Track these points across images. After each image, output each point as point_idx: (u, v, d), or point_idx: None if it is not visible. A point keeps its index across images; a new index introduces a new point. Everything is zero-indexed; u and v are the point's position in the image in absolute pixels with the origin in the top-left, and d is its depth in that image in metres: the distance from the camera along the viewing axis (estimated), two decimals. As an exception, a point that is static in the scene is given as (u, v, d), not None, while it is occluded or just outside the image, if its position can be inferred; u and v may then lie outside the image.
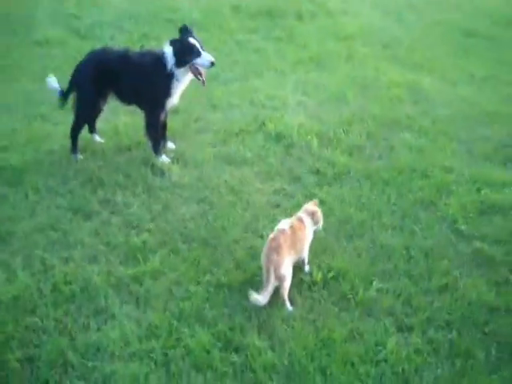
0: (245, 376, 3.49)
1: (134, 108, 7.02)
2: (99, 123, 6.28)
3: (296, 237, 4.24)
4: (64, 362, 3.49)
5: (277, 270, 3.97)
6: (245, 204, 5.32)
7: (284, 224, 4.30)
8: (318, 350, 3.70)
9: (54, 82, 5.94)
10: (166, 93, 5.67)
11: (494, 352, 3.81)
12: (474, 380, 3.55)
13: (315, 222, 4.46)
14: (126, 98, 5.92)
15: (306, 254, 4.42)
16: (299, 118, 7.11)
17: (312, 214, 4.44)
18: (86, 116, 5.96)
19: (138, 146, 6.16)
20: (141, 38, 9.14)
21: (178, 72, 5.57)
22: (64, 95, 5.88)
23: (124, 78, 5.66)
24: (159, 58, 5.53)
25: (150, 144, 5.91)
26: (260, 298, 3.86)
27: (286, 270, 4.04)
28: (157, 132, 5.89)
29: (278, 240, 4.09)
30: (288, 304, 4.05)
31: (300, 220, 4.39)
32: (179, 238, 4.72)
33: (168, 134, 6.47)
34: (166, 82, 5.58)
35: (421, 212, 5.35)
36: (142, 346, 3.62)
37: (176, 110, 7.22)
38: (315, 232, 4.51)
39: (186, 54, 5.44)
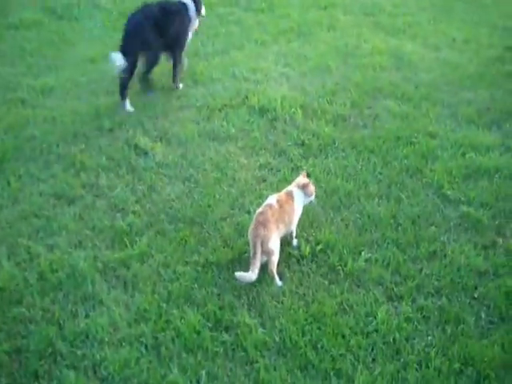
0: (236, 355, 3.42)
1: (113, 88, 6.87)
2: (78, 104, 6.11)
3: (284, 210, 4.14)
4: (53, 352, 3.40)
5: (264, 244, 3.88)
6: (230, 180, 5.20)
7: (272, 199, 4.20)
8: (309, 325, 3.63)
9: (119, 59, 6.08)
10: (188, 36, 6.80)
11: (483, 316, 3.76)
12: (464, 345, 3.49)
13: (308, 195, 4.35)
14: (168, 44, 6.56)
15: (294, 228, 4.33)
16: (282, 90, 6.95)
17: (303, 187, 4.33)
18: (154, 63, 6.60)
19: (120, 127, 6.00)
20: (119, 16, 8.85)
21: (195, 19, 6.76)
22: (131, 66, 6.22)
23: (169, 27, 6.45)
24: (185, 8, 6.64)
25: (176, 80, 6.85)
26: (248, 275, 3.78)
27: (274, 245, 3.95)
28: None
29: (266, 214, 4.00)
30: (277, 279, 3.97)
31: (289, 194, 4.28)
32: (165, 219, 4.61)
33: (149, 112, 6.34)
34: (189, 26, 6.72)
35: (407, 179, 5.26)
36: (131, 330, 3.54)
37: (158, 88, 7.06)
38: (309, 205, 4.43)
39: (200, 4, 6.76)
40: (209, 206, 4.80)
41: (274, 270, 3.97)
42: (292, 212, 4.25)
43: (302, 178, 4.43)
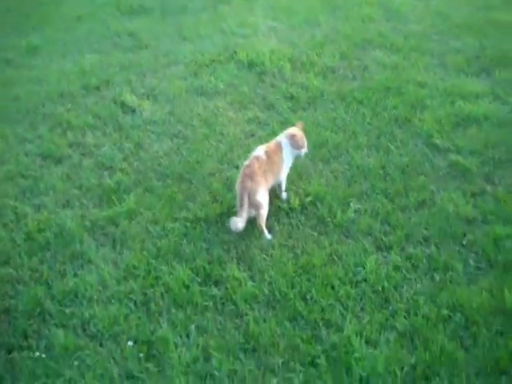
0: (225, 308, 3.32)
1: (99, 46, 6.61)
2: (63, 63, 5.85)
3: (272, 161, 3.99)
4: (41, 311, 3.29)
5: (251, 196, 3.75)
6: (219, 136, 5.03)
7: (260, 150, 4.03)
8: (298, 276, 3.52)
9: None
10: None
11: (472, 263, 3.65)
12: (452, 292, 3.39)
13: (295, 147, 4.10)
14: None
15: (283, 179, 4.17)
16: (271, 44, 6.70)
17: (290, 138, 4.09)
18: None
19: (106, 85, 5.78)
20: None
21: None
22: None
23: None
24: None
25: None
26: (236, 220, 3.68)
27: (262, 197, 3.81)
28: None
29: (253, 167, 3.85)
30: (266, 232, 3.85)
31: (277, 144, 4.10)
32: (153, 176, 4.45)
33: (137, 70, 6.10)
34: None
35: (396, 129, 5.09)
36: (120, 287, 3.42)
37: (144, 46, 6.80)
38: (298, 158, 4.22)
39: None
40: (197, 161, 4.64)
41: (263, 224, 3.84)
42: (280, 162, 4.09)
43: (292, 129, 4.19)
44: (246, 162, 3.93)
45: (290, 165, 4.19)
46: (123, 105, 5.41)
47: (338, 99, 5.60)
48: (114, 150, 4.74)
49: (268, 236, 3.85)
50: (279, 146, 4.09)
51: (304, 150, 4.15)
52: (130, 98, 5.48)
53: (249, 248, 3.76)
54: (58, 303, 3.33)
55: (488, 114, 5.24)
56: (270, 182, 3.99)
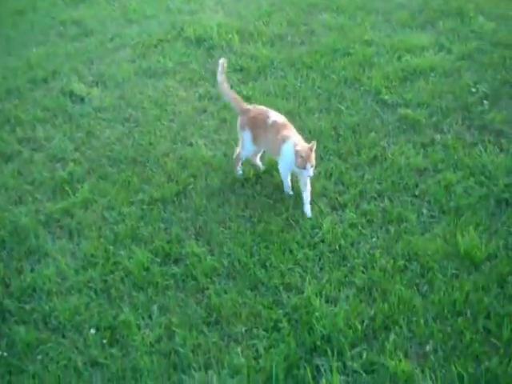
0: (187, 285, 3.27)
1: (44, 38, 6.40)
2: (8, 59, 5.63)
3: (274, 137, 3.78)
4: (0, 310, 3.19)
5: (239, 112, 3.97)
6: (171, 115, 4.92)
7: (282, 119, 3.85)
8: (257, 245, 3.48)
9: None
10: None
11: (425, 212, 3.65)
12: (407, 242, 3.39)
13: (297, 163, 3.56)
14: None
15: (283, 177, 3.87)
16: (218, 18, 6.55)
17: (296, 152, 3.53)
18: None
19: (54, 77, 5.60)
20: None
21: None
22: None
23: None
24: None
25: None
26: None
27: (242, 131, 3.96)
28: None
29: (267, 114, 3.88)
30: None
31: (284, 137, 3.70)
32: (107, 163, 4.34)
33: (84, 58, 5.91)
34: None
35: (345, 90, 5.04)
36: (79, 277, 3.35)
37: (90, 32, 6.59)
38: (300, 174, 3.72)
39: None
40: (150, 143, 4.53)
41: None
42: (276, 149, 3.76)
43: (302, 143, 3.63)
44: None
45: (286, 170, 3.80)
46: (72, 94, 5.25)
47: (288, 66, 5.52)
48: (65, 141, 4.60)
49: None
50: (283, 140, 3.70)
51: (306, 172, 3.58)
52: (79, 87, 5.32)
53: (206, 223, 3.71)
54: (17, 300, 3.24)
55: (434, 65, 5.22)
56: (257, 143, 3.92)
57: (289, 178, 3.83)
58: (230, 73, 5.45)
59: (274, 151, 3.80)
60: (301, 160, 3.51)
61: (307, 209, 3.70)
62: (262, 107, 3.94)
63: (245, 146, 3.94)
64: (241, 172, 4.08)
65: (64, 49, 6.23)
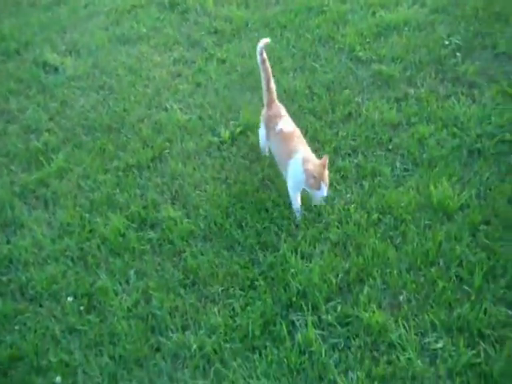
0: (163, 249, 3.19)
1: (16, 8, 6.13)
2: None
3: (284, 143, 3.25)
4: (-23, 284, 3.11)
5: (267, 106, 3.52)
6: (145, 80, 4.74)
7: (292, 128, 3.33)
8: (232, 206, 3.39)
9: None
10: None
11: (398, 165, 3.56)
12: (381, 196, 3.31)
13: (308, 183, 3.00)
14: None
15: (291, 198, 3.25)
16: (191, -19, 6.26)
17: (305, 171, 2.98)
18: None
19: (26, 48, 5.37)
20: None
21: None
22: None
23: None
24: None
25: None
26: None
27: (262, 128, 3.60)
28: None
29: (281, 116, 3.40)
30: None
31: (293, 150, 3.13)
32: (81, 131, 4.18)
33: (56, 27, 5.67)
34: None
35: (320, 48, 4.86)
36: (55, 246, 3.25)
37: (63, 1, 6.31)
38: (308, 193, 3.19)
39: None
40: (125, 110, 4.38)
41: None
42: (282, 164, 3.22)
43: (313, 161, 3.02)
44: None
45: (295, 189, 3.18)
46: (45, 65, 5.04)
47: (262, 27, 5.31)
48: (39, 112, 4.43)
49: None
50: (292, 152, 3.12)
51: (319, 193, 3.00)
52: (52, 57, 5.11)
53: (182, 187, 3.60)
54: (-6, 272, 3.15)
55: (407, 20, 5.03)
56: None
57: (298, 198, 3.19)
58: (204, 36, 5.29)
59: (281, 165, 3.25)
60: (313, 181, 2.90)
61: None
62: (280, 109, 3.42)
63: (260, 138, 3.57)
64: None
65: (36, 19, 5.97)
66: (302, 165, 2.95)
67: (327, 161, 2.92)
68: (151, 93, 4.56)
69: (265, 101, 3.48)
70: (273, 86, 3.44)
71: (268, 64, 3.40)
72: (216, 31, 5.36)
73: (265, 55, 3.40)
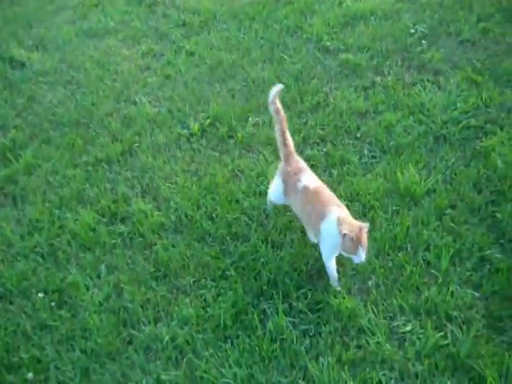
0: (134, 242, 3.15)
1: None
2: None
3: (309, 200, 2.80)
4: None
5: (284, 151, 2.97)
6: (113, 74, 4.66)
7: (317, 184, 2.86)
8: (203, 198, 3.36)
9: None
10: None
11: (366, 153, 3.58)
12: (350, 183, 3.32)
13: (345, 247, 2.58)
14: None
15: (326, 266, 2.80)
16: (158, -27, 6.17)
17: (343, 235, 2.53)
18: None
19: (-9, 44, 5.22)
20: None
21: None
22: None
23: None
24: None
25: None
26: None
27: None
28: None
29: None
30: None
31: (323, 211, 2.68)
32: (49, 127, 4.10)
33: (23, 22, 5.54)
34: None
35: (288, 39, 4.85)
36: (25, 243, 3.18)
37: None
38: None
39: None
40: (93, 104, 4.30)
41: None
42: (313, 226, 2.78)
43: (352, 224, 2.57)
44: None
45: (330, 255, 2.74)
46: (12, 60, 4.92)
47: (231, 18, 5.29)
48: (6, 108, 4.33)
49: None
50: (323, 212, 2.67)
51: (356, 258, 2.59)
52: (18, 52, 4.99)
53: (153, 180, 3.56)
54: (-38, 271, 3.07)
55: (374, 9, 5.06)
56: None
57: (334, 263, 2.76)
58: (172, 28, 5.23)
59: (309, 225, 2.86)
60: (351, 245, 2.53)
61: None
62: (299, 163, 2.94)
63: (273, 193, 3.09)
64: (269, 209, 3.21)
65: (2, 14, 5.82)
66: (337, 227, 2.56)
67: (367, 229, 2.55)
68: (120, 86, 4.49)
69: (281, 154, 2.96)
70: (289, 137, 2.94)
71: (283, 114, 2.92)
72: (184, 24, 5.31)
73: (278, 104, 2.91)
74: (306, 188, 2.78)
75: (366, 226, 2.54)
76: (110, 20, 5.44)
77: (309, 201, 2.75)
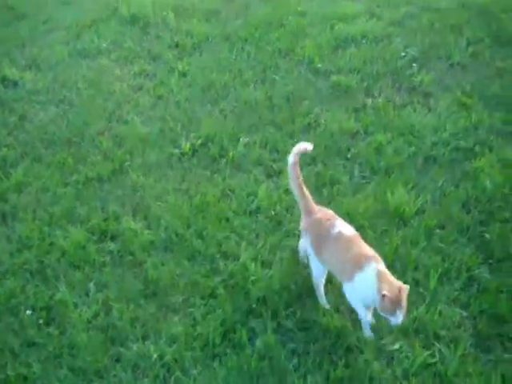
0: (123, 260, 3.21)
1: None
2: None
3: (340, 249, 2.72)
4: None
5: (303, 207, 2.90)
6: (106, 94, 4.77)
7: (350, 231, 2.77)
8: (194, 216, 3.44)
9: None
10: None
11: (356, 173, 3.69)
12: (340, 203, 3.41)
13: (383, 308, 2.47)
14: None
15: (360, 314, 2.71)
16: (152, -5, 6.36)
17: (382, 296, 2.42)
18: None
19: (-16, 62, 5.33)
20: None
21: None
22: None
23: None
24: None
25: None
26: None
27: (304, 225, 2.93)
28: None
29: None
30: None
31: (361, 259, 2.58)
32: (41, 145, 4.18)
33: (16, 42, 5.66)
34: None
35: (280, 61, 5.01)
36: (14, 260, 3.23)
37: (22, 16, 6.31)
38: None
39: None
40: (85, 123, 4.39)
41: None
42: (345, 274, 2.65)
43: (392, 285, 2.46)
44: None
45: (362, 302, 2.64)
46: (4, 79, 5.02)
47: (223, 41, 5.44)
48: (-3, 126, 4.42)
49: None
50: (361, 264, 2.56)
51: (393, 320, 2.47)
52: (11, 71, 5.09)
53: (143, 199, 3.64)
54: (-50, 288, 3.10)
55: (365, 32, 5.24)
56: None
57: (369, 315, 2.67)
58: (165, 49, 5.37)
59: (340, 272, 2.72)
60: (389, 306, 2.42)
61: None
62: (327, 211, 2.88)
63: (302, 249, 2.99)
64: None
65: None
66: (376, 282, 2.45)
67: (407, 291, 2.44)
68: (112, 106, 4.59)
69: (302, 209, 2.88)
70: (307, 192, 2.87)
71: (299, 174, 2.86)
72: (177, 45, 5.46)
73: (298, 169, 2.85)
74: (340, 233, 2.68)
75: (406, 288, 2.43)
76: (103, 41, 5.58)
77: (343, 247, 2.64)
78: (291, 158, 2.83)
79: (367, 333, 2.69)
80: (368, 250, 2.64)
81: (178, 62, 5.13)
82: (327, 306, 2.86)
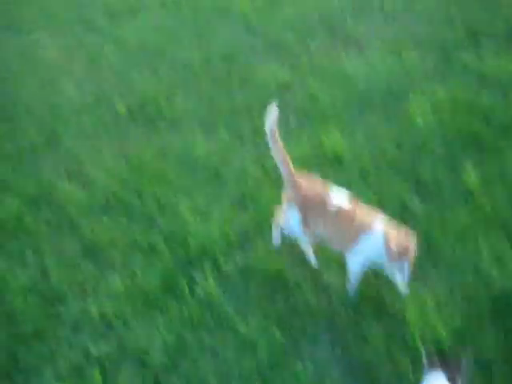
0: (61, 225, 3.12)
1: None
2: None
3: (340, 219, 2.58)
4: None
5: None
6: (39, 64, 4.58)
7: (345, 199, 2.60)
8: (130, 177, 3.39)
9: None
10: None
11: (292, 121, 3.67)
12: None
13: (390, 256, 2.49)
14: None
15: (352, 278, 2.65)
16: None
17: (387, 247, 2.48)
18: None
19: None
20: None
21: None
22: None
23: None
24: None
25: None
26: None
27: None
28: None
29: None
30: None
31: (366, 224, 2.52)
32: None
33: None
34: None
35: (215, 20, 4.90)
36: None
37: None
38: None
39: None
40: (18, 94, 4.21)
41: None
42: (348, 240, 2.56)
43: (399, 235, 2.49)
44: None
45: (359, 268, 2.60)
46: None
47: (159, 5, 5.29)
48: None
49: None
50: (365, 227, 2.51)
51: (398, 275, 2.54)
52: None
53: (80, 164, 3.54)
54: None
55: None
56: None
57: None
58: (99, 16, 5.18)
59: (341, 241, 2.62)
60: (394, 253, 2.45)
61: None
62: (316, 183, 2.70)
63: (287, 225, 2.75)
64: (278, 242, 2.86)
65: None
66: (383, 239, 2.47)
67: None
68: (45, 76, 4.43)
69: (286, 180, 2.68)
70: (290, 162, 2.67)
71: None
72: (112, 12, 5.27)
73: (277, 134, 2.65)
74: (340, 209, 2.54)
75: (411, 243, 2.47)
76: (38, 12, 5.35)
77: (346, 220, 2.53)
78: (268, 129, 2.63)
79: (352, 293, 2.65)
80: (370, 211, 2.57)
81: (113, 28, 4.96)
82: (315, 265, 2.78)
